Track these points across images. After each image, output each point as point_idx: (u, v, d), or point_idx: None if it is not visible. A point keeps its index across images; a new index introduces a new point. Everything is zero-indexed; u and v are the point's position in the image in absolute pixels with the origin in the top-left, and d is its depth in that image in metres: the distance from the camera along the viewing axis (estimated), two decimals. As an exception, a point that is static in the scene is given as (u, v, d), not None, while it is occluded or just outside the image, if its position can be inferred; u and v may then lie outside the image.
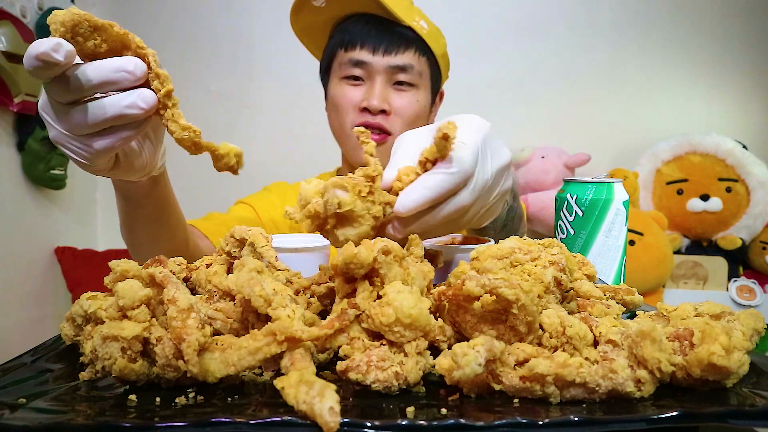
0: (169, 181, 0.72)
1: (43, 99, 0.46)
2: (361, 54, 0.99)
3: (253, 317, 0.41)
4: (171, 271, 0.50)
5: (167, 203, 0.72)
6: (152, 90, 0.44)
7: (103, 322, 0.37)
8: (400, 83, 1.00)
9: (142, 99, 0.43)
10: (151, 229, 0.74)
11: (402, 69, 0.99)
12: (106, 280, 0.41)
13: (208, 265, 0.53)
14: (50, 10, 1.67)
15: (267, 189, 1.16)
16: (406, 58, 0.99)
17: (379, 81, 0.99)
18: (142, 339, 0.36)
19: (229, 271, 0.52)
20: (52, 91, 0.43)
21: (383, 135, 1.01)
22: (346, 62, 1.01)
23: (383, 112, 0.99)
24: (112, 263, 0.41)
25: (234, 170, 0.47)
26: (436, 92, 1.09)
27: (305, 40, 1.12)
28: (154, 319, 0.37)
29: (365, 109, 0.99)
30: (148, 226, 0.73)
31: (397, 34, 0.99)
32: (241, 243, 0.52)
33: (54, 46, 0.39)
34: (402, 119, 1.01)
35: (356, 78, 1.01)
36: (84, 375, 0.38)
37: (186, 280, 0.53)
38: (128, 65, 0.43)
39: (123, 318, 0.37)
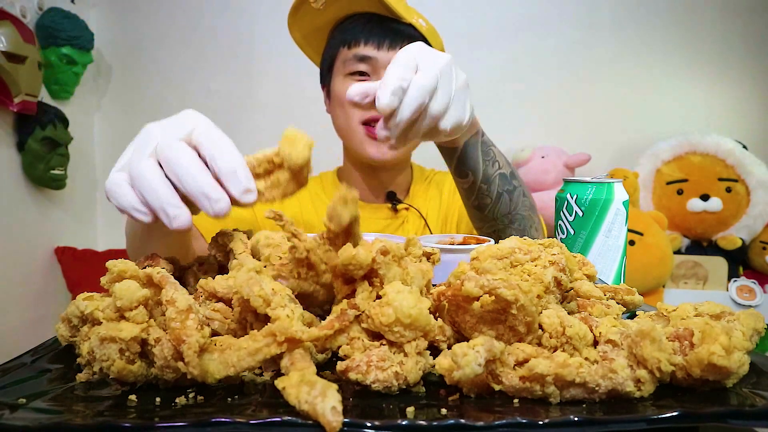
0: None
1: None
2: (366, 49, 0.99)
3: (251, 317, 0.41)
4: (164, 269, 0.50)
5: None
6: None
7: (100, 323, 0.37)
8: None
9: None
10: (170, 248, 0.68)
11: None
12: (103, 280, 0.41)
13: (201, 265, 0.53)
14: (50, 10, 1.67)
15: None
16: None
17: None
18: (140, 340, 0.36)
19: (219, 272, 0.52)
20: None
21: None
22: (350, 58, 1.00)
23: None
24: (109, 263, 0.41)
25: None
26: None
27: (303, 45, 1.12)
28: (152, 320, 0.37)
29: (372, 104, 0.99)
30: (168, 244, 0.68)
31: (399, 31, 0.99)
32: (223, 247, 0.52)
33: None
34: None
35: (361, 73, 1.01)
36: (81, 376, 0.38)
37: (178, 278, 0.53)
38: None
39: (120, 319, 0.37)
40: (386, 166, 1.08)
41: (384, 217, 1.12)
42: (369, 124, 1.01)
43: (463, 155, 0.81)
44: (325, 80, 1.10)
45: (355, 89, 0.63)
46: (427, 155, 1.24)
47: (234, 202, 0.45)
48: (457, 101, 0.63)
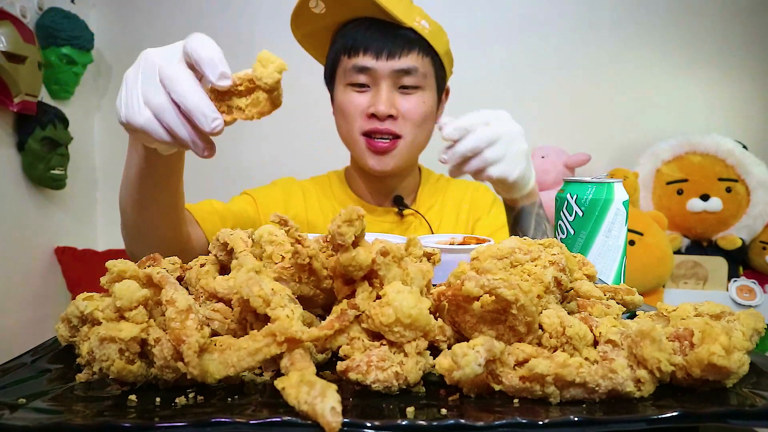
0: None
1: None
2: (365, 60, 0.98)
3: (251, 317, 0.41)
4: (164, 269, 0.50)
5: (180, 179, 0.75)
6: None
7: (99, 323, 0.37)
8: (405, 87, 1.00)
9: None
10: (161, 204, 0.74)
11: (406, 72, 0.99)
12: (103, 280, 0.41)
13: (201, 265, 0.53)
14: (50, 10, 1.67)
15: (273, 183, 1.16)
16: (410, 60, 0.99)
17: (385, 86, 0.99)
18: (140, 340, 0.36)
19: (220, 272, 0.52)
20: None
21: (393, 140, 1.01)
22: (350, 69, 1.00)
23: (391, 117, 0.99)
24: (109, 263, 0.41)
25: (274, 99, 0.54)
26: (441, 90, 1.09)
27: (307, 46, 1.11)
28: (152, 320, 0.37)
29: (372, 115, 0.99)
30: (161, 200, 0.74)
31: (399, 37, 0.98)
32: (225, 246, 0.52)
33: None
34: (411, 122, 1.01)
35: (361, 85, 1.01)
36: (81, 377, 0.38)
37: (179, 279, 0.53)
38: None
39: (120, 319, 0.37)
40: (389, 175, 1.08)
41: (390, 221, 1.11)
42: (370, 135, 1.01)
43: (518, 216, 0.94)
44: (329, 85, 1.10)
45: (450, 128, 0.81)
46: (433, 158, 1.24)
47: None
48: (510, 159, 0.81)
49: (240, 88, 0.53)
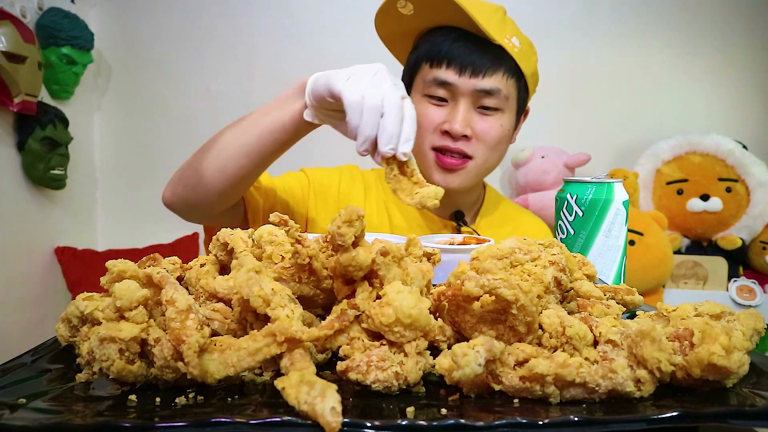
0: None
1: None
2: (447, 74, 0.94)
3: (251, 317, 0.41)
4: (164, 269, 0.50)
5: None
6: None
7: (99, 323, 0.37)
8: (484, 107, 0.96)
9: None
10: (260, 163, 0.83)
11: (488, 93, 0.94)
12: (103, 280, 0.41)
13: (201, 265, 0.53)
14: (50, 10, 1.67)
15: (336, 169, 1.11)
16: (494, 81, 0.94)
17: (463, 104, 0.95)
18: (140, 340, 0.36)
19: (220, 273, 0.52)
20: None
21: (464, 160, 0.97)
22: (430, 80, 0.96)
23: (465, 137, 0.95)
24: (109, 263, 0.41)
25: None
26: (521, 112, 1.05)
27: (388, 44, 1.07)
28: (152, 320, 0.37)
29: (446, 132, 0.96)
30: (262, 159, 0.82)
31: (486, 55, 0.93)
32: (225, 246, 0.52)
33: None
34: (485, 144, 0.97)
35: (440, 98, 0.97)
36: (81, 377, 0.38)
37: (179, 279, 0.53)
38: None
39: (120, 319, 0.37)
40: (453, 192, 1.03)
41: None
42: (440, 151, 0.97)
43: None
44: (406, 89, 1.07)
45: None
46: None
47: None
48: None
49: (407, 167, 0.65)
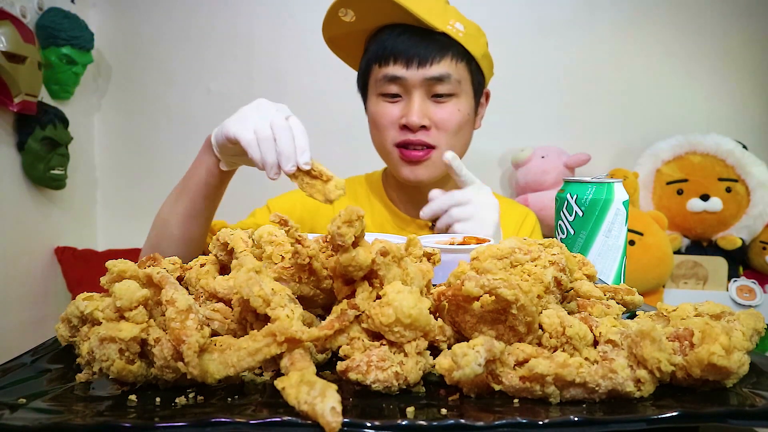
0: None
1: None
2: (396, 69, 0.95)
3: (251, 317, 0.41)
4: (164, 269, 0.50)
5: (220, 199, 0.93)
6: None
7: (99, 323, 0.37)
8: (438, 95, 0.97)
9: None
10: (205, 216, 0.90)
11: (439, 80, 0.95)
12: (103, 280, 0.41)
13: (201, 265, 0.53)
14: (50, 10, 1.67)
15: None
16: (442, 67, 0.95)
17: (417, 95, 0.96)
18: (140, 340, 0.36)
19: (220, 273, 0.52)
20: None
21: (427, 150, 0.98)
22: (381, 78, 0.98)
23: (424, 127, 0.97)
24: (109, 263, 0.41)
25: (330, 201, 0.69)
26: (479, 95, 1.05)
27: (339, 53, 1.09)
28: (152, 320, 0.37)
29: (405, 126, 0.97)
30: (205, 212, 0.90)
31: (430, 43, 0.94)
32: (225, 246, 0.52)
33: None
34: (445, 131, 0.98)
35: (393, 94, 0.98)
36: (81, 377, 0.38)
37: (179, 279, 0.53)
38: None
39: (120, 319, 0.37)
40: (424, 185, 1.04)
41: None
42: (404, 146, 0.98)
43: None
44: (362, 94, 1.07)
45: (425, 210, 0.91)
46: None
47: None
48: (478, 221, 0.86)
49: (313, 171, 0.70)
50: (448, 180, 1.09)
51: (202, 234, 0.92)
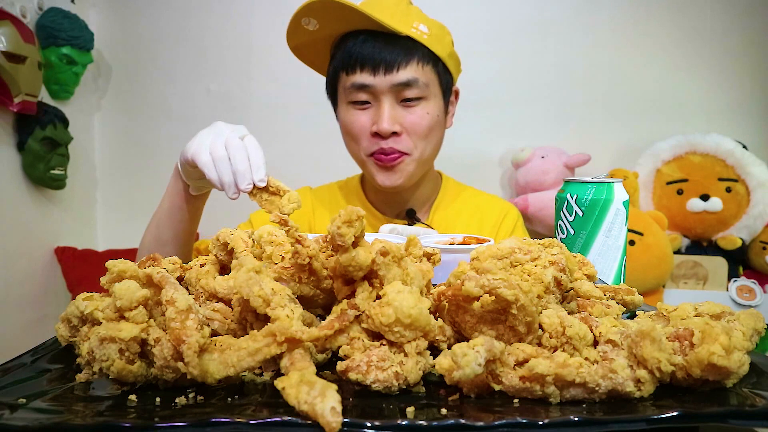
0: None
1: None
2: (363, 77, 0.95)
3: (251, 317, 0.41)
4: (164, 269, 0.50)
5: (196, 224, 0.95)
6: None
7: (99, 323, 0.37)
8: (407, 99, 0.97)
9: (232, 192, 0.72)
10: (184, 242, 0.92)
11: (407, 85, 0.95)
12: (103, 280, 0.41)
13: (201, 265, 0.53)
14: (50, 10, 1.67)
15: None
16: (409, 72, 0.95)
17: (386, 102, 0.96)
18: (140, 340, 0.35)
19: (220, 273, 0.52)
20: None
21: (399, 155, 0.98)
22: (349, 87, 0.97)
23: (395, 133, 0.97)
24: (109, 263, 0.41)
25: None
26: (448, 94, 1.05)
27: (304, 59, 1.09)
28: (152, 320, 0.37)
29: (377, 134, 0.97)
30: (182, 239, 0.91)
31: (396, 48, 0.94)
32: (225, 246, 0.52)
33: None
34: (416, 136, 0.98)
35: (363, 102, 0.98)
36: (81, 377, 0.38)
37: (179, 279, 0.53)
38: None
39: (120, 319, 0.37)
40: (400, 189, 1.05)
41: None
42: (378, 154, 0.99)
43: None
44: (332, 102, 1.07)
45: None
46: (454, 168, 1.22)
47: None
48: None
49: (270, 188, 0.70)
50: (425, 181, 1.10)
51: (185, 256, 0.92)
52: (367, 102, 0.98)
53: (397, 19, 0.94)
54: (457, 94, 1.11)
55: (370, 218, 1.12)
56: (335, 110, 1.07)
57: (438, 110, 1.01)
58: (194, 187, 0.86)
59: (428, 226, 1.06)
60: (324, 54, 1.05)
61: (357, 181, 1.17)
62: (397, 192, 1.07)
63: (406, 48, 0.95)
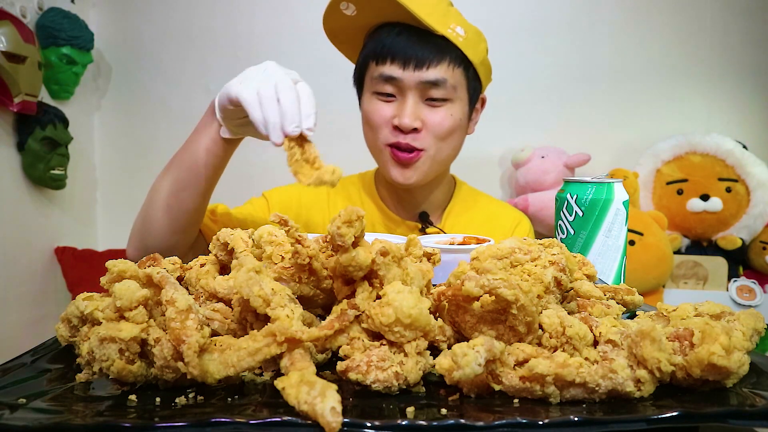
0: None
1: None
2: (392, 69, 0.95)
3: (251, 317, 0.41)
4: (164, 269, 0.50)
5: (218, 176, 0.87)
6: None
7: (99, 323, 0.37)
8: (432, 99, 0.96)
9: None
10: (199, 190, 0.84)
11: (434, 84, 0.95)
12: (103, 280, 0.41)
13: (201, 265, 0.53)
14: (50, 10, 1.67)
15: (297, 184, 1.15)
16: (439, 72, 0.94)
17: (411, 97, 0.95)
18: (140, 340, 0.35)
19: (220, 273, 0.52)
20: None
21: (415, 152, 0.97)
22: (377, 77, 0.97)
23: (415, 129, 0.96)
24: (109, 263, 0.41)
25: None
26: (474, 101, 1.05)
27: (339, 45, 1.08)
28: (152, 320, 0.37)
29: (397, 127, 0.97)
30: (201, 186, 0.84)
31: (428, 46, 0.94)
32: (225, 246, 0.52)
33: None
34: (435, 135, 0.97)
35: (388, 94, 0.97)
36: (81, 377, 0.38)
37: (179, 279, 0.53)
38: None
39: (120, 319, 0.37)
40: (413, 187, 1.04)
41: None
42: (396, 147, 0.98)
43: None
44: (357, 90, 1.07)
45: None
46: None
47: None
48: None
49: (308, 150, 0.65)
50: (439, 184, 1.10)
51: (196, 209, 0.86)
52: (392, 95, 0.98)
53: (435, 18, 0.93)
54: (483, 102, 1.10)
55: (384, 219, 1.10)
56: (359, 99, 1.07)
57: (461, 114, 1.00)
58: (228, 129, 0.79)
59: (440, 230, 1.05)
60: (357, 42, 1.04)
61: (371, 178, 1.15)
62: (408, 191, 1.06)
63: (439, 47, 0.95)
